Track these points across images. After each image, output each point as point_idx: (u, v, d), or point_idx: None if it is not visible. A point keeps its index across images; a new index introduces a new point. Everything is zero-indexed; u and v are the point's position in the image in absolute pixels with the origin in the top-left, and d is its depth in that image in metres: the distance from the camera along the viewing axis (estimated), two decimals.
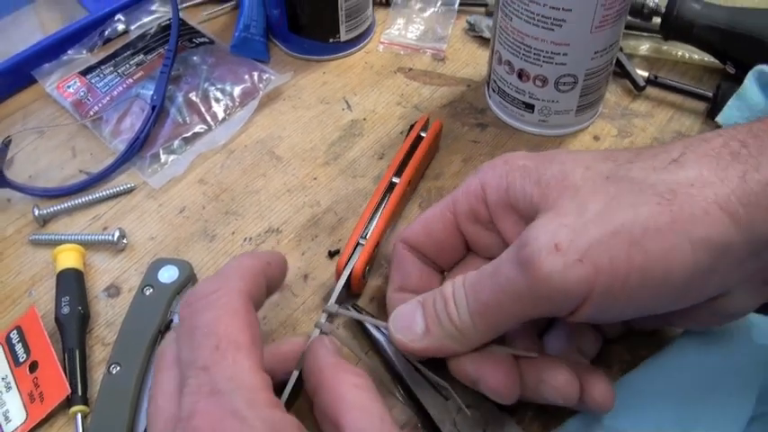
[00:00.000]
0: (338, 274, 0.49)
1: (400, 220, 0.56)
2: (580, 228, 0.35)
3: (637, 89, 0.65)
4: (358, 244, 0.50)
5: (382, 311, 0.49)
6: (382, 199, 0.52)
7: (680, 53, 0.68)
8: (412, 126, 0.58)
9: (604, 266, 0.35)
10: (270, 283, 0.41)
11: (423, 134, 0.57)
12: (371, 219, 0.51)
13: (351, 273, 0.48)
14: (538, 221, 0.37)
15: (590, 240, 0.35)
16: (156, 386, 0.36)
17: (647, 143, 0.61)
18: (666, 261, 0.35)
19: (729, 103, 0.60)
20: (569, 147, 0.61)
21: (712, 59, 0.66)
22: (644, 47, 0.69)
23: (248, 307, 0.37)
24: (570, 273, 0.35)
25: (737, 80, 0.60)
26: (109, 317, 0.51)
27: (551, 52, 0.55)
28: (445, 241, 0.46)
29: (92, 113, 0.64)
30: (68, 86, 0.66)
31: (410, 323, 0.41)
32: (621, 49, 0.66)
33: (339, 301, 0.47)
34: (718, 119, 0.60)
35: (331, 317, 0.45)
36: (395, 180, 0.53)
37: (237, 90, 0.65)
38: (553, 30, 0.53)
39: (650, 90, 0.65)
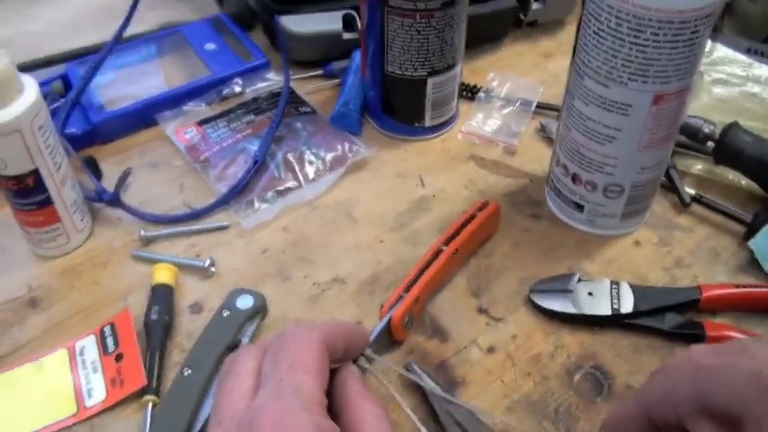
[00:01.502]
0: (381, 319, 0.56)
1: (447, 287, 0.63)
2: None
3: (683, 204, 0.70)
4: (401, 297, 0.57)
5: (421, 362, 0.56)
6: (430, 262, 0.59)
7: (730, 176, 0.73)
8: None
9: None
10: (348, 347, 0.47)
11: (478, 213, 0.64)
12: (417, 278, 0.58)
13: (390, 319, 0.55)
14: None
15: None
16: (232, 389, 0.42)
17: (683, 255, 0.66)
18: None
19: (763, 230, 0.64)
20: (611, 248, 0.66)
21: (759, 188, 0.72)
22: (698, 166, 0.74)
23: (323, 350, 0.43)
24: None
25: None
26: (189, 329, 0.59)
27: (602, 163, 0.62)
28: None
29: (202, 158, 0.73)
30: (186, 132, 0.76)
31: None
32: (675, 166, 0.72)
33: (378, 342, 0.54)
34: (750, 243, 0.65)
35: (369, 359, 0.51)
36: (443, 248, 0.60)
37: (329, 156, 0.74)
38: (604, 144, 0.60)
39: (695, 207, 0.70)
